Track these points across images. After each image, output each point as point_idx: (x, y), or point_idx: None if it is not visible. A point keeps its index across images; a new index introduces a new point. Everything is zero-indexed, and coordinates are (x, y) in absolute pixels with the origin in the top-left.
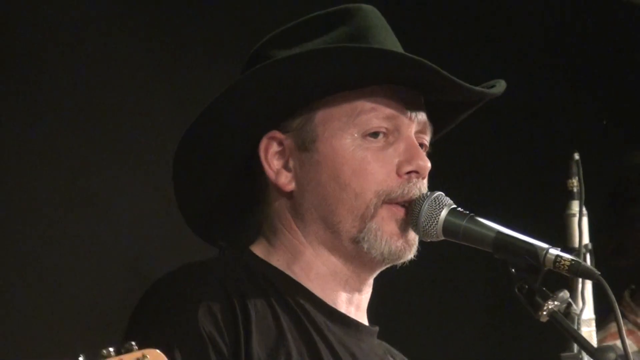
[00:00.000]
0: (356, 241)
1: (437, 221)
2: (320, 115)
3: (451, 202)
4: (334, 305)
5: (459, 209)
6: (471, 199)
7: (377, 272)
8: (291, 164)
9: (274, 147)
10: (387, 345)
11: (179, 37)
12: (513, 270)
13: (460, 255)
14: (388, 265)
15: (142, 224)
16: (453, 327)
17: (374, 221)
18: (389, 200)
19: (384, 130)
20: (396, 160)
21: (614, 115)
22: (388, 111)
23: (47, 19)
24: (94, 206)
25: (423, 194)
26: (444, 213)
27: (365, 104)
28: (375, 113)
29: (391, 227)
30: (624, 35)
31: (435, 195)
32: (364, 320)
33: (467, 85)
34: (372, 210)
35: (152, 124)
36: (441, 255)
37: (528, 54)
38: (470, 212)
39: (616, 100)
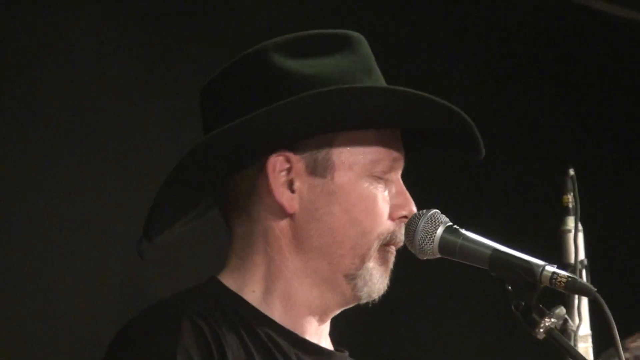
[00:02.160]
0: (351, 278)
1: (433, 239)
2: (340, 145)
3: (447, 219)
4: (302, 335)
5: (455, 226)
6: (466, 216)
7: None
8: (297, 185)
9: (282, 165)
10: None
11: (178, 59)
12: (509, 287)
13: (456, 271)
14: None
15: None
16: (448, 345)
17: (371, 262)
18: (386, 244)
19: (387, 175)
20: (391, 203)
21: (609, 130)
22: (395, 155)
23: (43, 37)
24: (88, 226)
25: (419, 212)
26: (439, 231)
27: (380, 145)
28: (387, 155)
29: (383, 269)
30: (621, 51)
31: (431, 213)
32: (330, 347)
33: (479, 142)
34: (372, 253)
35: (148, 143)
36: (436, 270)
37: (523, 69)
38: (466, 229)
39: (612, 116)
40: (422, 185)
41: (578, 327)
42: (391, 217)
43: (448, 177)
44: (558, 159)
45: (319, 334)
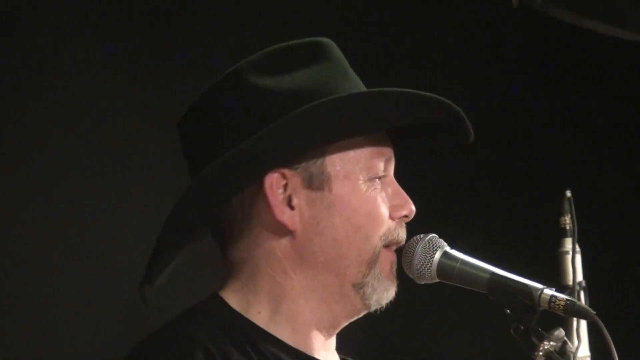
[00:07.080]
0: (359, 287)
1: (431, 264)
2: (333, 154)
3: (445, 244)
4: (311, 353)
5: (453, 250)
6: (463, 239)
7: (354, 319)
8: (295, 201)
9: (279, 183)
10: None
11: (178, 87)
12: (508, 311)
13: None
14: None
15: (138, 267)
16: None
17: (377, 266)
18: (387, 244)
19: (383, 174)
20: (389, 204)
21: (606, 152)
22: (387, 155)
23: (43, 66)
24: (89, 251)
25: (416, 236)
26: (437, 255)
27: (372, 147)
28: (380, 157)
29: (388, 272)
30: (620, 73)
31: (428, 237)
32: (336, 358)
33: (469, 128)
34: (377, 255)
35: (148, 171)
36: (435, 293)
37: (520, 89)
38: (463, 252)
39: (609, 138)
40: (419, 208)
41: (577, 349)
42: (391, 217)
43: (445, 200)
44: (555, 180)
45: (327, 348)
